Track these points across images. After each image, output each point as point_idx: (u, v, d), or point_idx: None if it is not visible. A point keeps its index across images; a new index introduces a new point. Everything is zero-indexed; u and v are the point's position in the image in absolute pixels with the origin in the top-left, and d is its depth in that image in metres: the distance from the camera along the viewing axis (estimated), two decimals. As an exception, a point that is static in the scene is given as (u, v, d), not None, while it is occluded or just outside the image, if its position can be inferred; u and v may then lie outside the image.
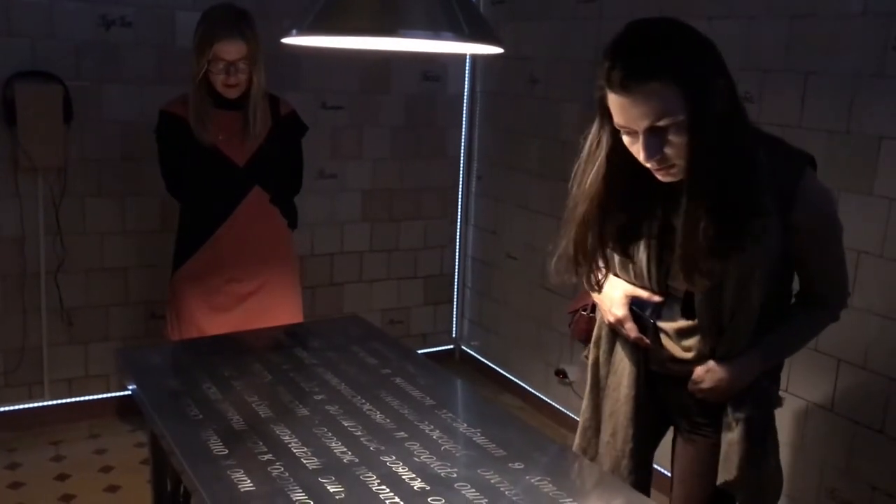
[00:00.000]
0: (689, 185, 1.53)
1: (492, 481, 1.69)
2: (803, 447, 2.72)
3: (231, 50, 2.66)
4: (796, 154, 1.65)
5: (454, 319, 4.50)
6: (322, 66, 3.84)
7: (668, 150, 1.52)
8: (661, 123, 1.49)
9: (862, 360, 2.56)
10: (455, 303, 4.48)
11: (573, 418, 3.69)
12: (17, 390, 3.51)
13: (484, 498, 1.62)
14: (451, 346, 4.52)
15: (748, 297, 1.63)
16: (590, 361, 1.94)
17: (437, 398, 2.11)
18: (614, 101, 1.53)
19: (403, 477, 1.68)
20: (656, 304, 1.73)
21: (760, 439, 1.74)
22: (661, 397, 1.86)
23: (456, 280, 4.45)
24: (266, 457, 1.74)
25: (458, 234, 4.39)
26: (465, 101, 4.26)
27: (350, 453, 1.77)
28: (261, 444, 1.80)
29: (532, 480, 1.70)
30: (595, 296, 1.86)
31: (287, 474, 1.67)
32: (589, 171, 1.67)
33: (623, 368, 1.84)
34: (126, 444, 3.47)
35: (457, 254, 4.42)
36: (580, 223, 1.69)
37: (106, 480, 3.18)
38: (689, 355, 1.74)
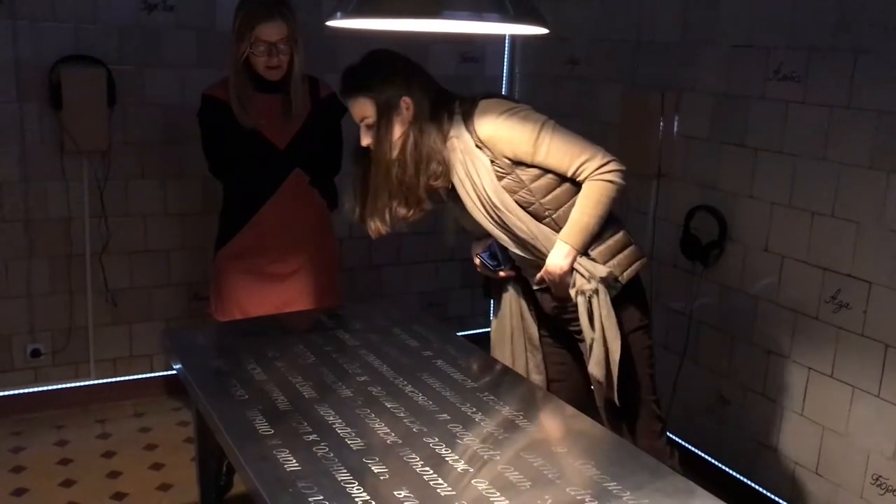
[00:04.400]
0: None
1: (535, 464, 1.69)
2: (848, 433, 2.68)
3: (272, 31, 2.68)
4: (473, 97, 2.22)
5: (491, 303, 4.48)
6: (359, 49, 3.79)
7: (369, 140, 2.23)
8: (363, 123, 2.23)
9: (911, 346, 2.51)
10: (492, 285, 4.47)
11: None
12: (64, 369, 3.59)
13: (527, 481, 1.62)
14: (488, 330, 4.51)
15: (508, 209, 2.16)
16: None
17: (478, 381, 2.11)
18: None
19: (447, 459, 1.69)
20: (493, 244, 2.32)
21: (595, 304, 2.12)
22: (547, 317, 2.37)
23: (494, 263, 4.43)
24: (311, 437, 1.76)
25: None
26: (503, 82, 4.23)
27: (393, 434, 1.78)
28: (305, 424, 1.82)
29: (575, 463, 1.70)
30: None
31: (332, 455, 1.69)
32: None
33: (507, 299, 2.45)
34: (170, 422, 3.54)
35: (494, 236, 4.40)
36: None
37: (151, 458, 3.25)
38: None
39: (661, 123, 3.24)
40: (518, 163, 2.14)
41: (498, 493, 1.57)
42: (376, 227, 2.27)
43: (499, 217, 2.18)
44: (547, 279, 2.19)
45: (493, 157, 2.14)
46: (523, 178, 2.14)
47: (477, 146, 2.15)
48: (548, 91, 4.00)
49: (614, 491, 1.60)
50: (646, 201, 3.39)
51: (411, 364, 2.18)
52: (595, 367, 2.14)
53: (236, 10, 2.75)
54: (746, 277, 3.00)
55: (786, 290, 2.86)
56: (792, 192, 2.81)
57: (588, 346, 2.15)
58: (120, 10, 3.38)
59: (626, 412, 2.23)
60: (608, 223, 2.17)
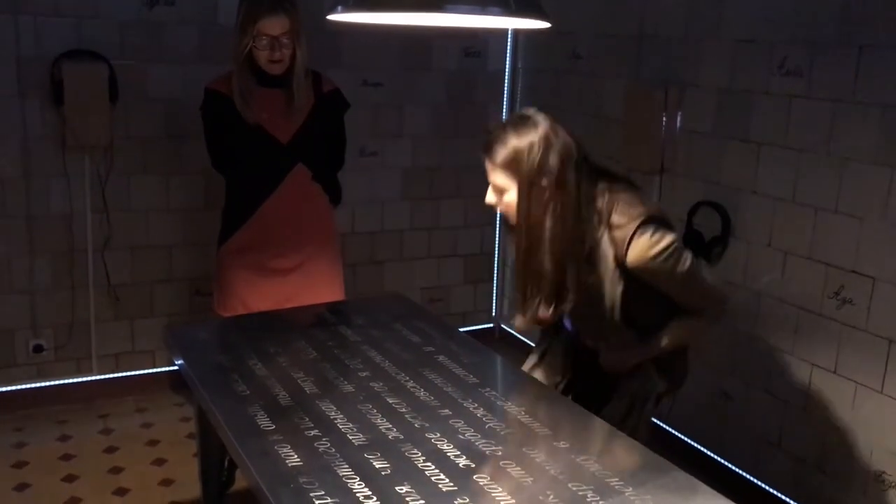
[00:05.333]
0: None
1: (537, 459, 1.68)
2: (852, 430, 2.67)
3: (275, 25, 2.68)
4: (634, 216, 1.98)
5: (494, 298, 4.49)
6: (362, 43, 3.82)
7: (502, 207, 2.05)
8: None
9: (914, 342, 2.50)
10: (495, 282, 4.47)
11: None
12: (67, 364, 3.59)
13: (529, 476, 1.62)
14: (491, 325, 4.52)
15: (605, 312, 2.05)
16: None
17: (480, 376, 2.10)
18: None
19: (448, 454, 1.69)
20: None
21: (636, 408, 2.15)
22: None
23: (496, 259, 4.43)
24: (312, 432, 1.76)
25: (498, 212, 4.36)
26: (506, 77, 4.22)
27: (395, 430, 1.78)
28: (307, 419, 1.81)
29: (577, 459, 1.69)
30: None
31: (333, 450, 1.68)
32: None
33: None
34: (172, 418, 3.54)
35: (497, 233, 4.40)
36: None
37: (153, 454, 3.25)
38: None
39: (665, 118, 3.22)
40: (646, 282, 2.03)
41: (500, 489, 1.57)
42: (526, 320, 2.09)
43: (604, 329, 2.11)
44: (607, 363, 2.18)
45: (626, 276, 2.01)
46: (645, 294, 2.05)
47: (617, 262, 1.99)
48: (550, 86, 3.99)
49: (616, 487, 1.59)
50: (649, 197, 3.38)
51: (413, 360, 2.18)
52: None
53: (239, 3, 2.75)
54: (750, 273, 2.99)
55: (789, 285, 2.85)
56: (795, 188, 2.80)
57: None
58: (122, 4, 3.38)
59: None
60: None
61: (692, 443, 3.29)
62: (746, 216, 2.99)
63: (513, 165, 1.93)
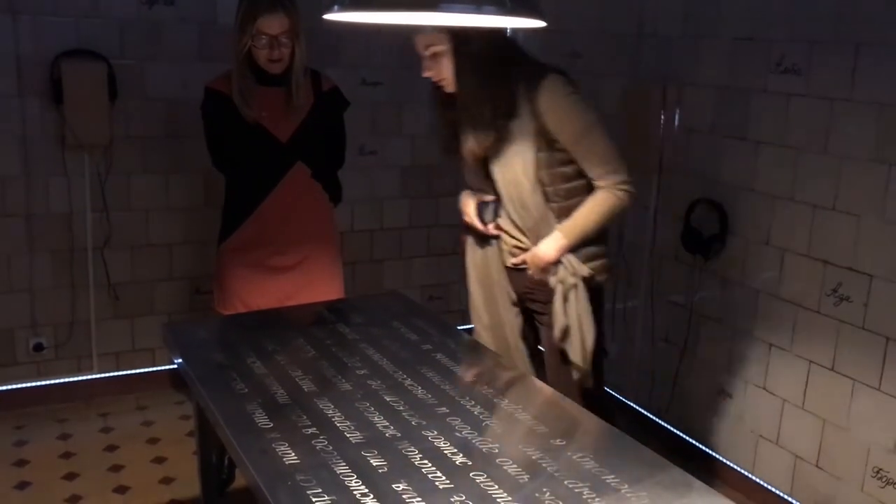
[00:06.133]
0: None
1: (533, 457, 1.69)
2: (849, 427, 2.68)
3: (274, 24, 2.68)
4: (546, 66, 2.29)
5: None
6: (360, 42, 3.83)
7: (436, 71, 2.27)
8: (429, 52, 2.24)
9: (912, 339, 2.51)
10: (494, 279, 4.47)
11: (613, 394, 3.68)
12: (67, 363, 3.60)
13: (526, 474, 1.63)
14: (491, 323, 4.51)
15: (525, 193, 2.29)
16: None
17: (477, 374, 2.11)
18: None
19: (445, 452, 1.69)
20: (494, 203, 2.38)
21: (571, 297, 2.30)
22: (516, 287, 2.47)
23: (495, 256, 4.43)
24: (310, 430, 1.76)
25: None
26: (504, 76, 4.22)
27: (392, 428, 1.79)
28: (304, 417, 1.82)
29: (574, 457, 1.70)
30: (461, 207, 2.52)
31: (331, 448, 1.69)
32: None
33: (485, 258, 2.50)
34: (172, 416, 3.55)
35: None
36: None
37: (153, 452, 3.26)
38: (522, 244, 2.38)
39: (663, 117, 3.23)
40: (557, 142, 2.24)
41: (496, 487, 1.57)
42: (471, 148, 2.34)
43: (520, 182, 2.29)
44: (530, 262, 2.35)
45: (540, 128, 2.23)
46: (556, 159, 2.26)
47: (532, 112, 2.22)
48: (549, 84, 3.99)
49: (612, 484, 1.60)
50: (647, 195, 3.39)
51: (411, 358, 2.18)
52: (575, 354, 2.34)
53: (238, 2, 2.75)
54: (747, 271, 3.00)
55: (787, 283, 2.86)
56: (793, 186, 2.81)
57: (560, 332, 2.33)
58: (121, 4, 3.38)
59: (573, 393, 2.36)
60: (599, 233, 2.34)
61: (690, 440, 3.29)
62: (744, 214, 3.00)
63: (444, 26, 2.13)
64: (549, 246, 2.30)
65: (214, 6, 3.52)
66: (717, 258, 3.10)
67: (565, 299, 2.30)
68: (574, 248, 2.30)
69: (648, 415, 3.49)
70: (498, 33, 2.27)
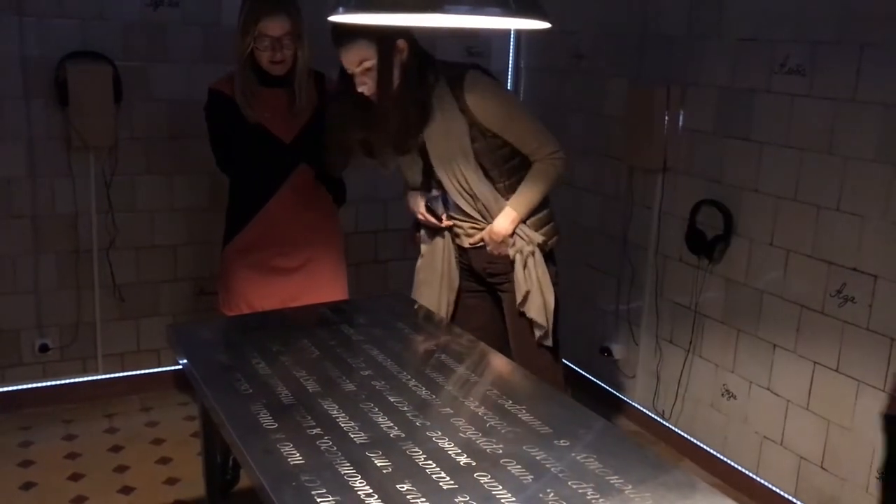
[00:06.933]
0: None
1: (537, 458, 1.69)
2: (853, 428, 2.68)
3: (276, 26, 2.69)
4: (462, 65, 2.51)
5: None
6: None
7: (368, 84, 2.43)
8: (362, 68, 2.40)
9: (916, 340, 2.50)
10: (498, 280, 4.47)
11: (617, 395, 3.68)
12: (73, 364, 3.61)
13: (530, 474, 1.63)
14: (495, 324, 4.51)
15: (466, 166, 2.49)
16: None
17: (481, 375, 2.11)
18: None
19: (449, 452, 1.70)
20: (441, 195, 2.60)
21: (530, 264, 2.53)
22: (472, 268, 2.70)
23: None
24: (314, 431, 1.77)
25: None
26: (509, 76, 4.23)
27: (396, 428, 1.79)
28: (309, 418, 1.83)
29: (578, 457, 1.70)
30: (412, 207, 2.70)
31: (335, 448, 1.69)
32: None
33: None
34: (177, 417, 3.56)
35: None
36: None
37: (158, 452, 3.27)
38: (478, 225, 2.59)
39: (667, 117, 3.23)
40: (489, 131, 2.45)
41: (500, 487, 1.58)
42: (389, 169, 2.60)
43: (463, 175, 2.50)
44: (488, 238, 2.56)
45: (471, 122, 2.43)
46: (492, 145, 2.47)
47: (461, 110, 2.42)
48: (553, 85, 3.99)
49: (616, 485, 1.60)
50: (651, 195, 3.39)
51: (414, 358, 2.19)
52: (537, 314, 2.56)
53: (242, 2, 2.76)
54: (752, 271, 3.00)
55: (791, 284, 2.85)
56: (797, 186, 2.81)
57: (521, 298, 2.54)
58: (126, 6, 3.40)
59: (536, 354, 2.61)
60: (543, 200, 2.57)
61: (694, 440, 3.29)
62: (748, 215, 2.99)
63: (371, 31, 2.28)
64: (504, 221, 2.52)
65: (219, 8, 3.53)
66: (722, 259, 3.10)
67: (525, 266, 2.53)
68: (525, 219, 2.53)
69: (653, 416, 3.49)
70: (413, 39, 2.44)
